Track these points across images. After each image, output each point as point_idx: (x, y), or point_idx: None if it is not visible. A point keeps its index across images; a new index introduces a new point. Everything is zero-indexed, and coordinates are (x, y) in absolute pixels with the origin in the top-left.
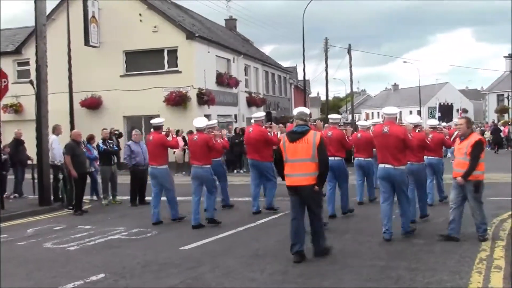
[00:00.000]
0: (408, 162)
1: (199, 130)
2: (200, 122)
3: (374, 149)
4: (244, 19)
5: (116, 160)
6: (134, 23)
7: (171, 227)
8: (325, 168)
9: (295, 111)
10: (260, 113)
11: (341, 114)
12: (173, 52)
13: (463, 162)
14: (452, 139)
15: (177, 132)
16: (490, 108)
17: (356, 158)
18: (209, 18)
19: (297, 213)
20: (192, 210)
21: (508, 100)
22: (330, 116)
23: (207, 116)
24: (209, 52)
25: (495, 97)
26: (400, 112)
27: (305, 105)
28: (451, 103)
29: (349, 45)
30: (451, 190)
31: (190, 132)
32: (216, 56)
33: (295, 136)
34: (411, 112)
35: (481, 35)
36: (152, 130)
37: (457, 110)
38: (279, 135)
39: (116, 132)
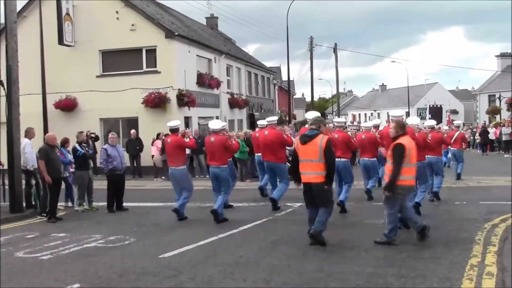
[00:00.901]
0: None
1: (215, 132)
2: (216, 124)
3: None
4: (226, 17)
5: (92, 165)
6: (110, 21)
7: (150, 234)
8: (331, 169)
9: (308, 115)
10: (274, 117)
11: (326, 116)
12: (151, 52)
13: (388, 165)
14: (452, 140)
15: (158, 136)
16: (481, 109)
17: (361, 159)
18: (190, 16)
19: (310, 204)
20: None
21: (500, 101)
22: (335, 120)
23: (188, 118)
24: (189, 51)
25: (486, 98)
26: (388, 114)
27: (289, 107)
28: (440, 105)
29: (335, 44)
30: None
31: (166, 135)
32: (197, 55)
33: (306, 139)
34: None
35: (474, 34)
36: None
37: (446, 111)
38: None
39: (92, 135)
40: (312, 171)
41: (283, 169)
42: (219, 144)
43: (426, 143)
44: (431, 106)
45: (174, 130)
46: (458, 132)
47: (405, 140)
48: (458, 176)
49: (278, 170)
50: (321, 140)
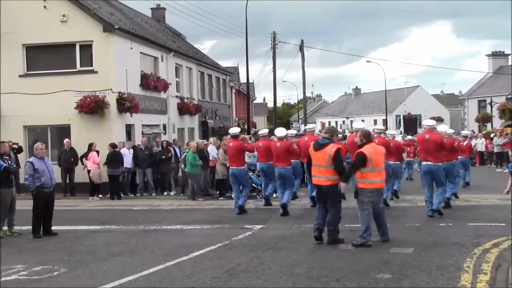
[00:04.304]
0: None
1: (280, 138)
2: (282, 132)
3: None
4: (176, 8)
5: (15, 181)
6: (36, 10)
7: (84, 263)
8: (340, 171)
9: (357, 125)
10: (312, 125)
11: (291, 124)
12: (87, 48)
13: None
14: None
15: (90, 147)
16: (470, 117)
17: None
18: (132, 6)
19: (321, 203)
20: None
21: (491, 107)
22: (354, 126)
23: (130, 126)
24: (131, 48)
25: (475, 103)
26: (363, 122)
27: (248, 113)
28: (415, 116)
29: (302, 41)
30: None
31: (113, 145)
32: (141, 53)
33: (318, 146)
34: (375, 121)
35: (464, 29)
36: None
37: (420, 123)
38: (215, 150)
39: (15, 146)
40: (321, 175)
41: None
42: (283, 148)
43: (453, 147)
44: (405, 116)
45: (235, 136)
46: (466, 142)
47: (367, 148)
48: (467, 184)
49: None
50: (330, 149)
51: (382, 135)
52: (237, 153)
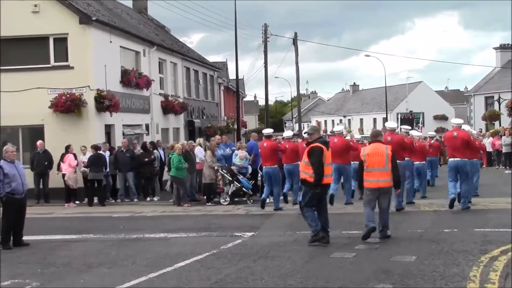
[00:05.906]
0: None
1: (339, 134)
2: (339, 127)
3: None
4: None
5: None
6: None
7: (59, 276)
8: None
9: (389, 125)
10: (341, 127)
11: (285, 123)
12: (61, 41)
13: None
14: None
15: (67, 149)
16: (477, 114)
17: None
18: None
19: (318, 206)
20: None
21: (499, 104)
22: (387, 125)
23: (110, 126)
24: (111, 41)
25: (482, 100)
26: (361, 120)
27: (238, 112)
28: (412, 117)
29: (295, 33)
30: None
31: (96, 147)
32: (121, 47)
33: (328, 145)
34: (375, 120)
35: (471, 20)
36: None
37: (416, 123)
38: (203, 152)
39: None
40: (329, 173)
41: (349, 170)
42: (341, 145)
43: (476, 146)
44: (402, 116)
45: (269, 136)
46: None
47: (365, 149)
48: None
49: (345, 171)
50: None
51: (408, 134)
52: (271, 153)
